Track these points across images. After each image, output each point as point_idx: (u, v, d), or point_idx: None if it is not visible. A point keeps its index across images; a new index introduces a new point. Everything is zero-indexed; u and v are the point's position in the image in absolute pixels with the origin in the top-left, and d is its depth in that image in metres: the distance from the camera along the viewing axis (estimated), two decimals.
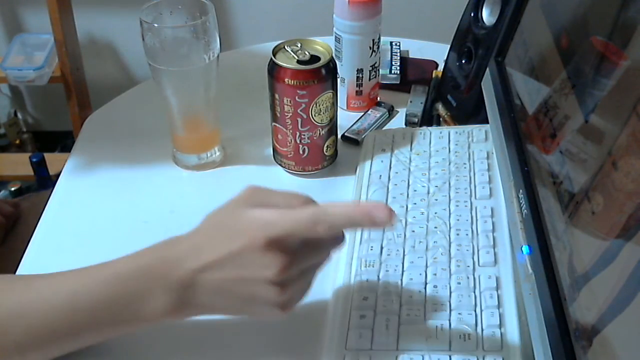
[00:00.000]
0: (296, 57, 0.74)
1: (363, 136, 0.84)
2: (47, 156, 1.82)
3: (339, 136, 0.82)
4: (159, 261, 0.55)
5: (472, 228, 0.67)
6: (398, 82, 0.95)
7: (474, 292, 0.60)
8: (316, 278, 0.58)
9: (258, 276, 0.52)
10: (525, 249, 0.58)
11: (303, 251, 0.53)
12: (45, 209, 0.77)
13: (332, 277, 0.65)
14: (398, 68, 0.96)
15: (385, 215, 0.53)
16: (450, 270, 0.63)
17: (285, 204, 0.54)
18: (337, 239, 0.56)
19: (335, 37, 0.87)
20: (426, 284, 0.62)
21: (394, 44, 1.01)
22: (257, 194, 0.55)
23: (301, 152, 0.78)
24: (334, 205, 0.54)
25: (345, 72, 0.88)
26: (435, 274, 0.62)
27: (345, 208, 0.54)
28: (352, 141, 0.85)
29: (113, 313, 0.55)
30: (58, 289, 0.56)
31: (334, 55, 0.75)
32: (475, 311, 0.59)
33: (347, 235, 0.68)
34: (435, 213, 0.69)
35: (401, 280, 0.62)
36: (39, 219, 0.76)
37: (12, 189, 1.86)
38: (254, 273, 0.52)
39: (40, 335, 0.55)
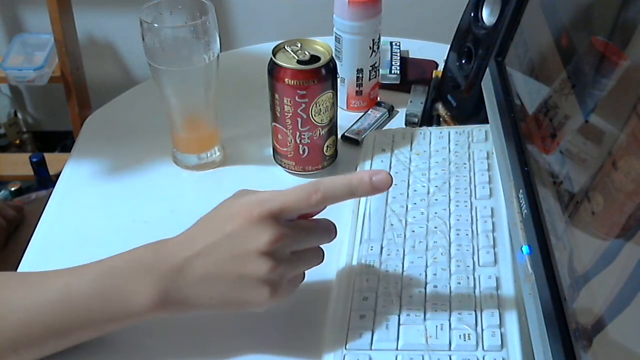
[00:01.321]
0: (296, 57, 0.74)
1: (363, 136, 0.84)
2: (47, 156, 1.82)
3: (339, 136, 0.82)
4: (150, 253, 0.56)
5: (472, 228, 0.67)
6: (398, 82, 0.95)
7: (474, 292, 0.60)
8: (305, 276, 0.59)
9: (249, 249, 0.53)
10: (525, 249, 0.58)
11: (295, 231, 0.55)
12: (45, 209, 0.77)
13: (332, 277, 0.65)
14: (398, 68, 0.96)
15: (383, 176, 0.55)
16: (450, 270, 0.63)
17: None
18: (328, 230, 0.58)
19: (335, 37, 0.87)
20: (426, 284, 0.62)
21: (394, 44, 1.01)
22: (247, 191, 0.57)
23: (301, 152, 0.78)
24: (328, 177, 0.56)
25: (345, 72, 0.88)
26: (435, 274, 0.62)
27: (341, 177, 0.56)
28: (352, 141, 0.85)
29: (103, 306, 0.55)
30: (52, 285, 0.56)
31: (334, 55, 0.75)
32: (475, 311, 0.59)
33: (348, 239, 0.68)
34: (435, 213, 0.69)
35: (401, 280, 0.62)
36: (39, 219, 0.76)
37: (12, 189, 1.86)
38: (245, 246, 0.53)
39: (34, 331, 0.55)
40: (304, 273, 0.59)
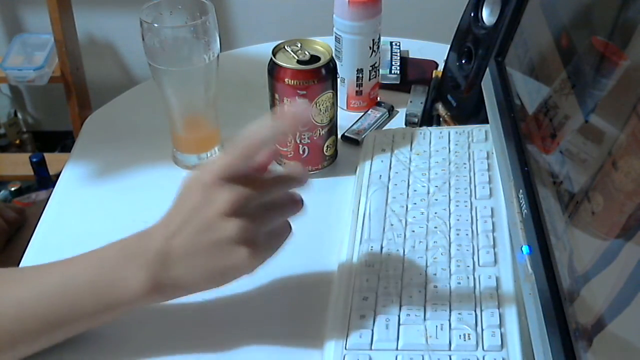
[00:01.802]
0: (296, 57, 0.74)
1: (363, 136, 0.84)
2: (47, 156, 1.82)
3: (339, 136, 0.82)
4: (135, 241, 0.57)
5: (472, 228, 0.67)
6: (398, 82, 0.95)
7: (474, 292, 0.60)
8: (292, 229, 0.58)
9: (212, 214, 0.54)
10: (525, 249, 0.58)
11: (251, 185, 0.55)
12: (45, 209, 0.77)
13: (332, 277, 0.65)
14: (398, 68, 0.96)
15: (302, 107, 0.60)
16: (450, 270, 0.63)
17: None
18: (288, 179, 0.58)
19: (335, 37, 0.87)
20: (426, 284, 0.62)
21: (394, 44, 1.01)
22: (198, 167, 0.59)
23: (301, 152, 0.78)
24: (255, 124, 0.56)
25: (345, 72, 0.88)
26: (435, 274, 0.62)
27: (266, 121, 0.57)
28: (352, 141, 0.85)
29: (97, 296, 0.56)
30: (47, 278, 0.57)
31: (334, 55, 0.75)
32: (475, 311, 0.59)
33: (348, 239, 0.68)
34: (435, 213, 0.69)
35: (401, 280, 0.62)
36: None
37: (12, 189, 1.86)
38: (208, 214, 0.54)
39: (30, 325, 0.56)
40: (290, 226, 0.58)
